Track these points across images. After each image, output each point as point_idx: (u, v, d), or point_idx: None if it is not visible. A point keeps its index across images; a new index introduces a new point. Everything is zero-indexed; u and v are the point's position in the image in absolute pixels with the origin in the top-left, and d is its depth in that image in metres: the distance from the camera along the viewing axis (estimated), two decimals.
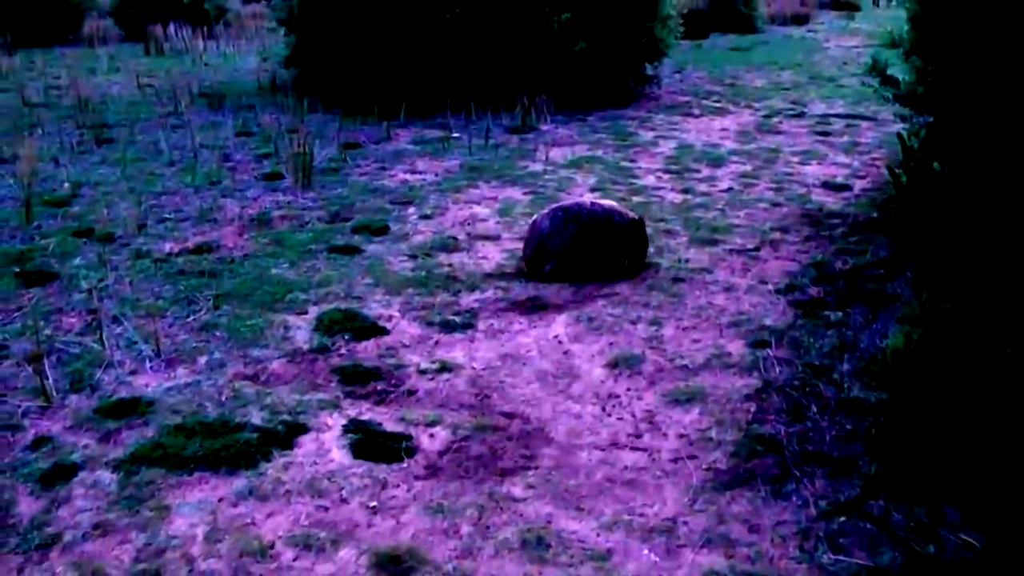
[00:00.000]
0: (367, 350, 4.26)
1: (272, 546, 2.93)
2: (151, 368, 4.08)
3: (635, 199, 6.55)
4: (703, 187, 6.95)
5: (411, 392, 3.89)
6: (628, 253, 5.15)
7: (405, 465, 3.36)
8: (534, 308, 4.74)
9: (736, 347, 4.27)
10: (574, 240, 5.03)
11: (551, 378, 4.01)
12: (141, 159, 7.66)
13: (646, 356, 4.19)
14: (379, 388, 3.92)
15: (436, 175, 7.24)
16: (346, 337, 4.37)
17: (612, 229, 5.07)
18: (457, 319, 4.60)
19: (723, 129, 9.01)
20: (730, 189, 6.89)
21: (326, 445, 3.48)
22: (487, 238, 5.78)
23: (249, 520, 3.06)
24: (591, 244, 5.06)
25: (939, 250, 3.06)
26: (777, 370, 4.03)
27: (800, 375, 3.96)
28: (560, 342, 4.35)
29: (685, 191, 6.84)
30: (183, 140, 8.25)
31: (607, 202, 5.27)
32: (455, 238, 5.76)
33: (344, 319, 4.54)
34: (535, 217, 5.32)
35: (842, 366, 4.01)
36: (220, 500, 3.16)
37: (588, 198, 5.64)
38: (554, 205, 5.33)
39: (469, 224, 6.04)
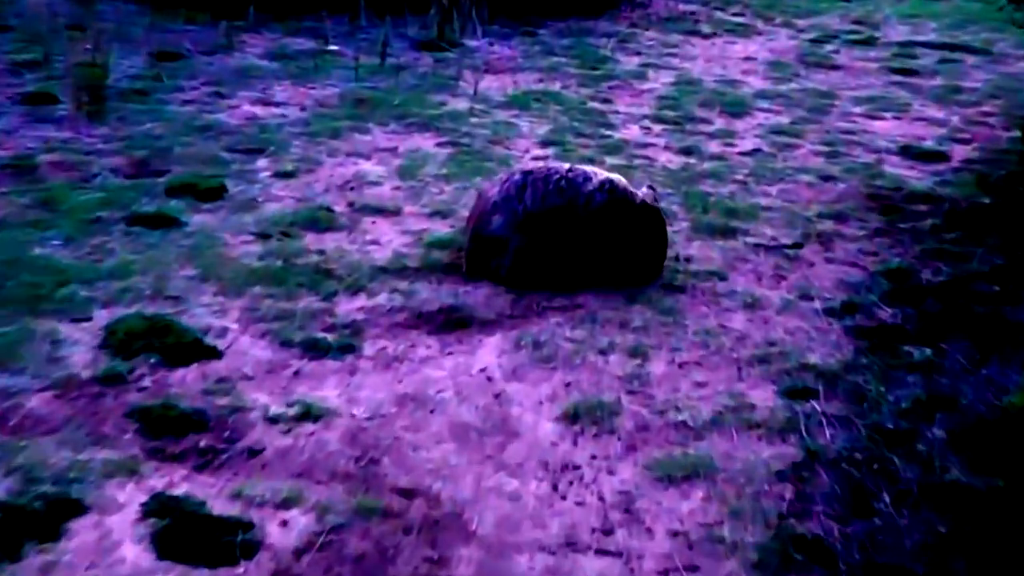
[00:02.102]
0: (185, 382, 4.23)
1: None
2: None
3: (609, 161, 6.49)
4: (714, 147, 6.97)
5: (254, 452, 3.85)
6: (629, 255, 5.16)
7: (241, 571, 3.30)
8: (451, 324, 4.75)
9: (763, 396, 4.29)
10: (530, 220, 5.06)
11: (474, 435, 4.00)
12: None
13: (623, 405, 4.19)
14: (203, 444, 3.87)
15: (303, 110, 7.25)
16: (152, 360, 4.34)
17: (600, 213, 5.09)
18: (330, 338, 4.59)
19: (747, 58, 9.08)
20: (756, 152, 6.93)
21: (115, 535, 3.39)
22: (380, 211, 5.78)
23: None
24: (562, 231, 5.10)
25: None
26: (828, 434, 4.04)
27: (864, 444, 3.98)
28: (490, 379, 4.35)
29: (686, 152, 6.86)
30: None
31: (601, 172, 5.26)
32: (330, 210, 5.77)
33: (150, 331, 4.51)
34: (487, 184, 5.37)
35: (931, 432, 4.04)
36: None
37: (548, 160, 5.64)
38: (520, 167, 5.27)
39: (353, 188, 6.06)
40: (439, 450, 3.92)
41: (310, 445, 3.91)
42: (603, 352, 4.57)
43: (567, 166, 5.26)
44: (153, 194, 5.82)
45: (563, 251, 5.09)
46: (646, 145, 6.94)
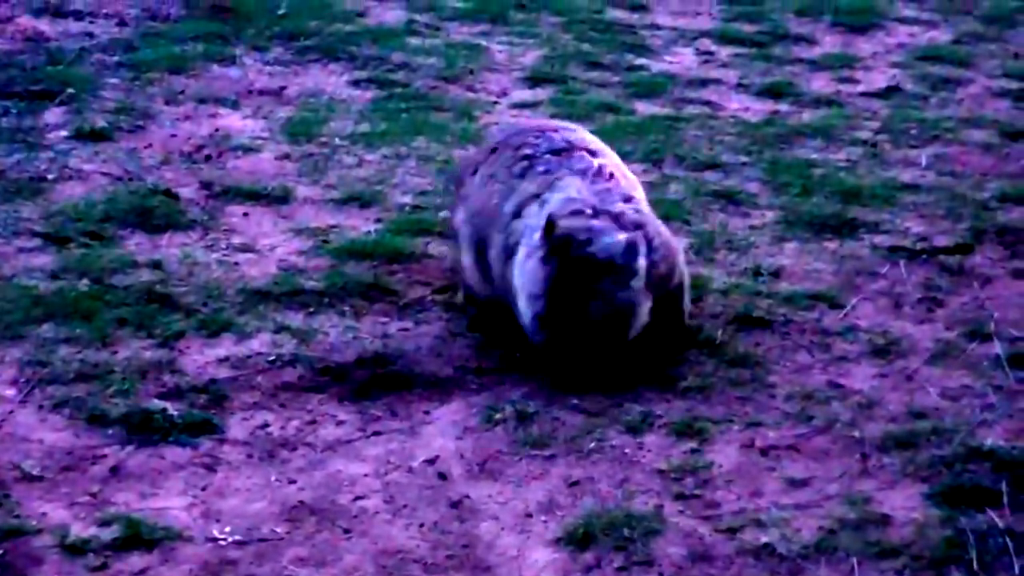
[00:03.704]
0: None
1: None
2: None
3: (643, 109, 6.59)
4: (821, 84, 7.09)
5: None
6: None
7: None
8: (379, 385, 4.74)
9: (904, 502, 4.24)
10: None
11: (418, 571, 3.92)
12: None
13: (666, 519, 4.13)
14: None
15: (122, 24, 7.36)
16: None
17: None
18: (172, 410, 4.54)
19: None
20: (894, 92, 7.03)
21: None
22: (257, 197, 5.83)
23: None
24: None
25: None
26: (1016, 566, 3.96)
27: None
28: (444, 476, 4.32)
29: (774, 93, 6.97)
30: None
31: (592, 146, 5.20)
32: (172, 194, 5.81)
33: None
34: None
35: None
36: None
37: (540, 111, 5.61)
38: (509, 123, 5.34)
39: (210, 158, 6.11)
40: None
41: None
42: (633, 429, 4.53)
43: (573, 133, 5.22)
44: None
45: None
46: (705, 82, 6.96)
